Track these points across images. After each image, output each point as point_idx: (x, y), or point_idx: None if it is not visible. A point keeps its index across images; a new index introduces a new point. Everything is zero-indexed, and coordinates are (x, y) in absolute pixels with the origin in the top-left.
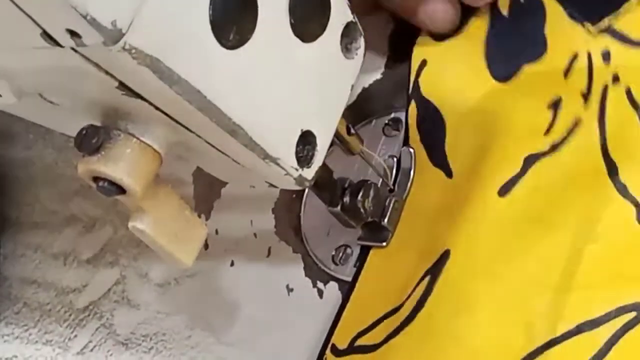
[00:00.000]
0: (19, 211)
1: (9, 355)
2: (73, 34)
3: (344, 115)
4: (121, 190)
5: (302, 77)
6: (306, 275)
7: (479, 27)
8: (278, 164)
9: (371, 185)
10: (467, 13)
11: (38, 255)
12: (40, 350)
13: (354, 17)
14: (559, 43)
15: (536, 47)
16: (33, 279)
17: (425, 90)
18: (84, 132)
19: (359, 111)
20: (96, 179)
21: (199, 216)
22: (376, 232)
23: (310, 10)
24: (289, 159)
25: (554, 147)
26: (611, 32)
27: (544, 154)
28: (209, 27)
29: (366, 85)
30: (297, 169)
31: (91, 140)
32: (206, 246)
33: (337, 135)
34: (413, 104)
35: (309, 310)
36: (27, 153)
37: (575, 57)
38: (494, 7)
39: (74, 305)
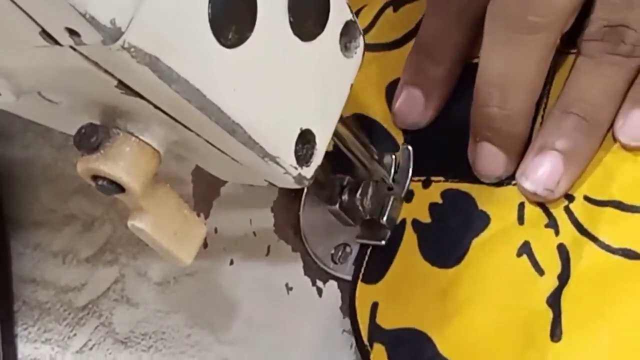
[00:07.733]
0: (18, 210)
1: None
2: (72, 32)
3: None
4: (120, 188)
5: (301, 76)
6: (305, 273)
7: (409, 242)
8: (277, 163)
9: (369, 183)
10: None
11: (37, 254)
12: (39, 349)
13: (353, 16)
14: (499, 207)
15: (478, 223)
16: (32, 277)
17: (387, 324)
18: (83, 130)
19: None
20: (95, 177)
21: (198, 215)
22: (375, 230)
23: (309, 9)
24: (288, 158)
25: (564, 278)
26: None
27: (561, 288)
28: (208, 25)
29: None
30: (296, 168)
31: (90, 139)
32: (205, 245)
33: (360, 161)
34: (379, 346)
35: (308, 309)
36: (26, 152)
37: (522, 204)
38: (414, 220)
39: (73, 303)
